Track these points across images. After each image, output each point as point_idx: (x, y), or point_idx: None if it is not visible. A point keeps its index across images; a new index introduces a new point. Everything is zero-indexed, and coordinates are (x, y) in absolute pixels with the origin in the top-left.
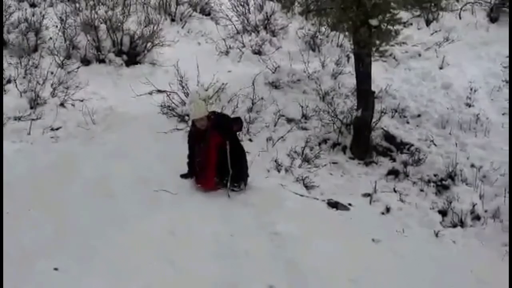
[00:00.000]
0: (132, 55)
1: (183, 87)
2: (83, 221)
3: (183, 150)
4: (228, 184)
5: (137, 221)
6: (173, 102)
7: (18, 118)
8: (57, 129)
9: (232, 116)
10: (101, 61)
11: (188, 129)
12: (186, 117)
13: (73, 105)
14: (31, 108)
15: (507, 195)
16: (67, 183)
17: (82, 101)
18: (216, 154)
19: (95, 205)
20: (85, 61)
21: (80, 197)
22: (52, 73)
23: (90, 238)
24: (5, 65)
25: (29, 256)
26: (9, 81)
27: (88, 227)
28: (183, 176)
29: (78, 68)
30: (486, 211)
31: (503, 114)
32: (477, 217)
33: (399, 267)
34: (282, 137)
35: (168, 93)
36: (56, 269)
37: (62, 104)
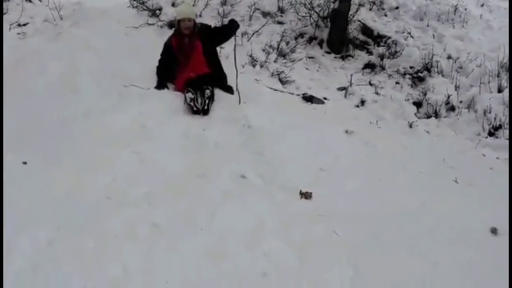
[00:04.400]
0: None
1: None
2: (50, 115)
3: (155, 45)
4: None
5: (105, 115)
6: None
7: None
8: (24, 25)
9: None
10: None
11: (160, 24)
12: (158, 11)
13: (40, 0)
14: None
15: (482, 85)
16: (34, 79)
17: None
18: (199, 57)
19: (63, 100)
20: None
21: (47, 92)
22: None
23: (57, 132)
24: None
25: None
26: None
27: (55, 121)
28: (157, 88)
29: None
30: (461, 101)
31: (481, 5)
32: (452, 108)
33: (370, 156)
34: (257, 31)
35: None
36: (25, 162)
37: None
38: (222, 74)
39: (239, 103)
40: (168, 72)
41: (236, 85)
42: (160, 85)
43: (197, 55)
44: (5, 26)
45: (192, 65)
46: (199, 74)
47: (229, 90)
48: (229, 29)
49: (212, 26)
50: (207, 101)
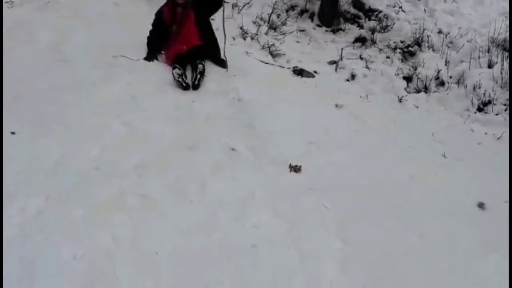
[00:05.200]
0: None
1: None
2: (39, 86)
3: (145, 15)
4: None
5: (94, 86)
6: None
7: None
8: None
9: None
10: None
11: None
12: None
13: None
14: None
15: (472, 61)
16: (23, 48)
17: None
18: (191, 28)
19: (52, 70)
20: None
21: (36, 62)
22: None
23: (47, 102)
24: None
25: None
26: None
27: (45, 91)
28: (146, 59)
29: None
30: (450, 77)
31: None
32: (442, 83)
33: (360, 129)
34: (248, 3)
35: None
36: (13, 133)
37: None
38: (216, 47)
39: (226, 70)
40: (159, 43)
41: (224, 52)
42: (150, 57)
43: (189, 25)
44: None
45: (183, 36)
46: (189, 48)
47: (222, 64)
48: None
49: None
50: (198, 76)
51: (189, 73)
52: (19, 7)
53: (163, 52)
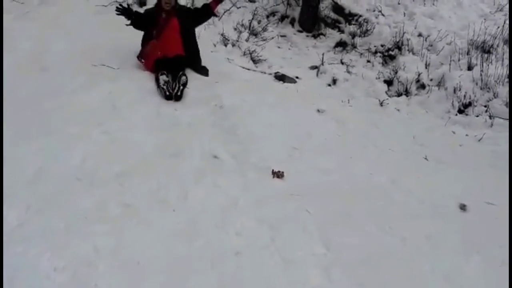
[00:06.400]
0: None
1: None
2: (19, 93)
3: (124, 24)
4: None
5: (75, 94)
6: None
7: None
8: None
9: None
10: None
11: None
12: None
13: None
14: None
15: (452, 63)
16: (3, 57)
17: None
18: (173, 35)
19: (32, 79)
20: None
21: (16, 71)
22: None
23: (27, 110)
24: None
25: None
26: None
27: (24, 100)
28: (120, 9)
29: None
30: (431, 79)
31: None
32: (422, 86)
33: (342, 134)
34: (228, 9)
35: None
36: None
37: None
38: (197, 55)
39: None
40: (140, 17)
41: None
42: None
43: (170, 32)
44: None
45: (162, 42)
46: (170, 55)
47: (203, 71)
48: (209, 12)
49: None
50: (181, 87)
51: (172, 84)
52: None
53: (143, 60)
